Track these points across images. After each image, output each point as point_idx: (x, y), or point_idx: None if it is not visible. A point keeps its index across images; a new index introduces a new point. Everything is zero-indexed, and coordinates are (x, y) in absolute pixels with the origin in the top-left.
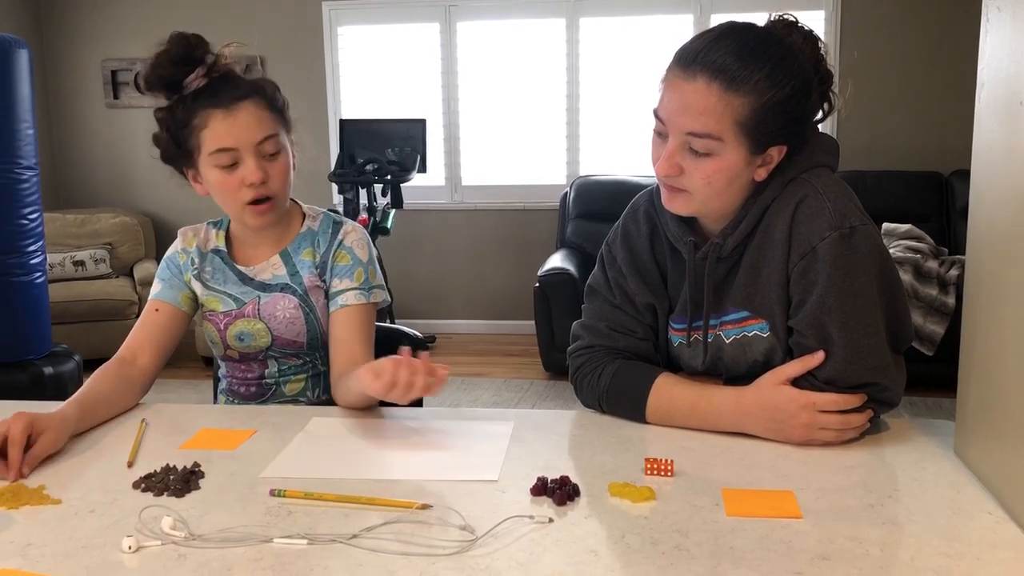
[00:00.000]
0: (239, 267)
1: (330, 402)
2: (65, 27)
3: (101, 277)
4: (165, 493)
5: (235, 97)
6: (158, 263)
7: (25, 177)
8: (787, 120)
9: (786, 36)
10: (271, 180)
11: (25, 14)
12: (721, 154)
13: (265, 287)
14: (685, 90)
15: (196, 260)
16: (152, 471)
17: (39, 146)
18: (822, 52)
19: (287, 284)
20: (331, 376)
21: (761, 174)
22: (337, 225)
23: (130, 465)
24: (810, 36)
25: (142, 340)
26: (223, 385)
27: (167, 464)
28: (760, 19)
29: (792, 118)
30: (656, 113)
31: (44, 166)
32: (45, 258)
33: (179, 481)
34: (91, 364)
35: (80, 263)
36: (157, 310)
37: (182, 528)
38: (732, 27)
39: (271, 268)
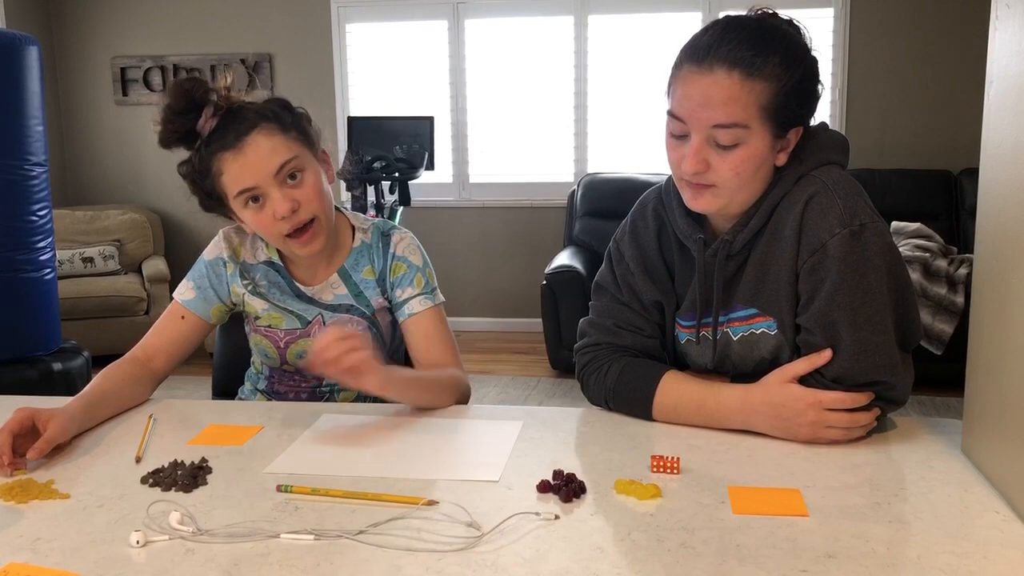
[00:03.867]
0: (299, 285)
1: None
2: (75, 24)
3: (110, 274)
4: (173, 488)
5: (240, 133)
6: (167, 260)
7: (35, 174)
8: (805, 100)
9: (780, 24)
10: (303, 205)
11: (35, 11)
12: (748, 142)
13: (330, 307)
14: (704, 84)
15: (247, 273)
16: (160, 466)
17: (49, 143)
18: (807, 39)
19: (353, 305)
20: None
21: (782, 159)
22: (387, 237)
23: (138, 460)
24: (794, 24)
25: (160, 344)
26: (262, 385)
27: (175, 459)
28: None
29: (808, 97)
30: (672, 113)
31: (54, 163)
32: (54, 254)
33: (187, 476)
34: (100, 360)
35: (89, 260)
36: (183, 317)
37: (190, 523)
38: (734, 19)
39: (332, 288)
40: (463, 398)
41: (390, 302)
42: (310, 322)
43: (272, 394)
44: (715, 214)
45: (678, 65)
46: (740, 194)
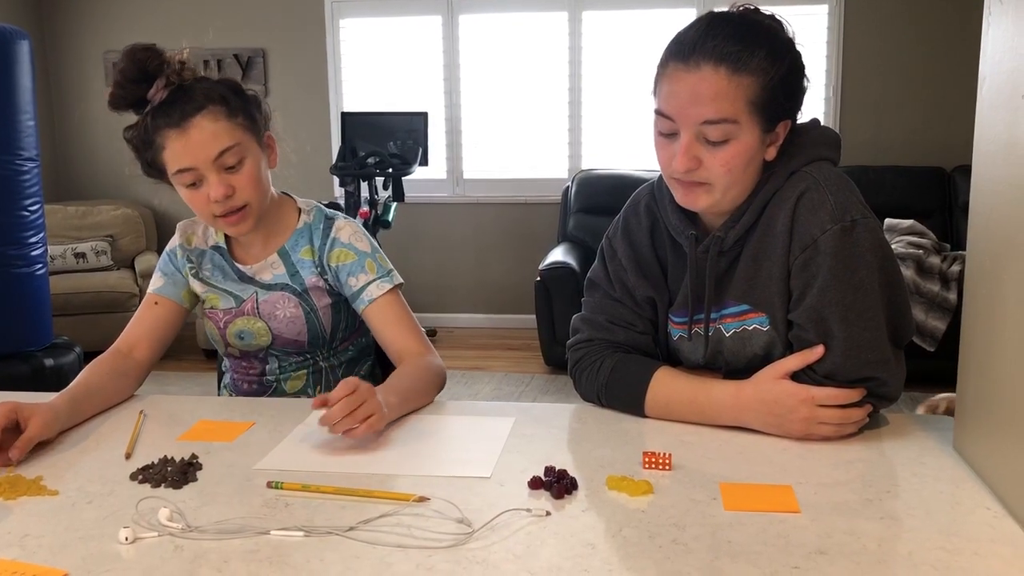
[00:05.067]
0: (239, 265)
1: None
2: (67, 18)
3: (102, 269)
4: (163, 484)
5: (186, 113)
6: (159, 255)
7: (26, 169)
8: (792, 93)
9: (763, 19)
10: (238, 192)
11: (26, 5)
12: (738, 137)
13: (265, 286)
14: (691, 80)
15: (194, 258)
16: (150, 462)
17: (40, 138)
18: (790, 33)
19: (287, 284)
20: None
21: (771, 153)
22: (329, 220)
23: (128, 456)
24: (776, 19)
25: (139, 333)
26: (226, 379)
27: (165, 456)
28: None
29: (795, 91)
30: (660, 112)
31: (45, 158)
32: (46, 250)
33: (177, 472)
34: (91, 356)
35: (81, 255)
36: (156, 303)
37: (179, 520)
38: (718, 15)
39: (270, 268)
40: (443, 382)
41: (330, 285)
42: (244, 300)
43: (232, 388)
44: (707, 211)
45: (663, 63)
46: (732, 190)
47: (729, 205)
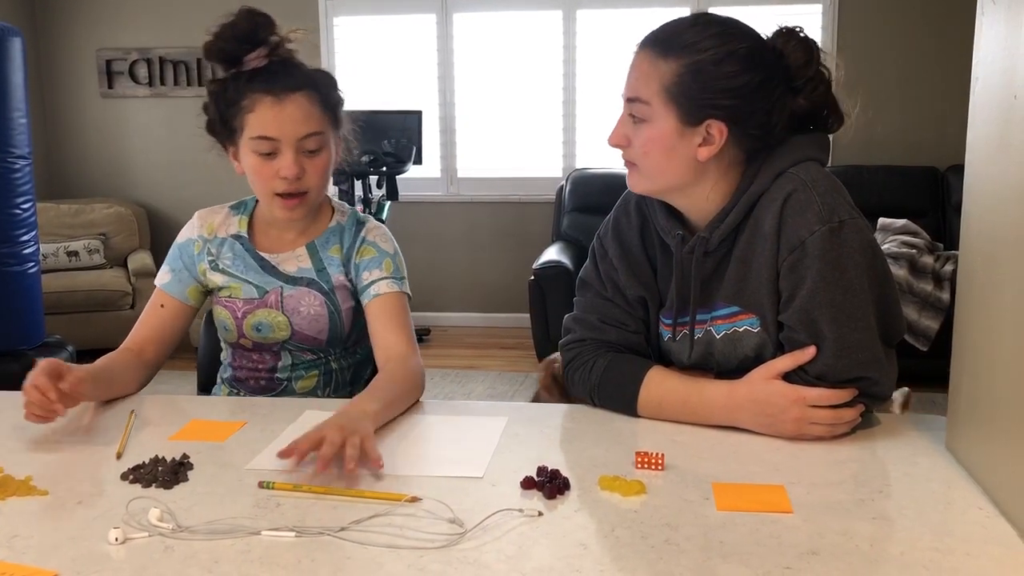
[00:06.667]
0: (261, 254)
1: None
2: (60, 16)
3: (95, 267)
4: (153, 485)
5: (288, 87)
6: (153, 253)
7: (18, 166)
8: (715, 90)
9: (724, 19)
10: (307, 176)
11: (19, 2)
12: (652, 121)
13: (290, 279)
14: (632, 62)
15: (213, 249)
16: (141, 462)
17: (32, 135)
18: (815, 54)
19: (313, 279)
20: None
21: (703, 154)
22: (360, 224)
23: (119, 456)
24: (741, 27)
25: (149, 335)
26: (227, 374)
27: (156, 455)
28: (758, 12)
29: (721, 89)
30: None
31: (38, 156)
32: (38, 248)
33: (168, 473)
34: (84, 354)
35: (74, 253)
36: (163, 305)
37: (170, 520)
38: (693, 14)
39: (296, 259)
40: (423, 387)
41: (354, 286)
42: (267, 292)
43: (234, 383)
44: (675, 204)
45: None
46: (660, 178)
47: (692, 200)
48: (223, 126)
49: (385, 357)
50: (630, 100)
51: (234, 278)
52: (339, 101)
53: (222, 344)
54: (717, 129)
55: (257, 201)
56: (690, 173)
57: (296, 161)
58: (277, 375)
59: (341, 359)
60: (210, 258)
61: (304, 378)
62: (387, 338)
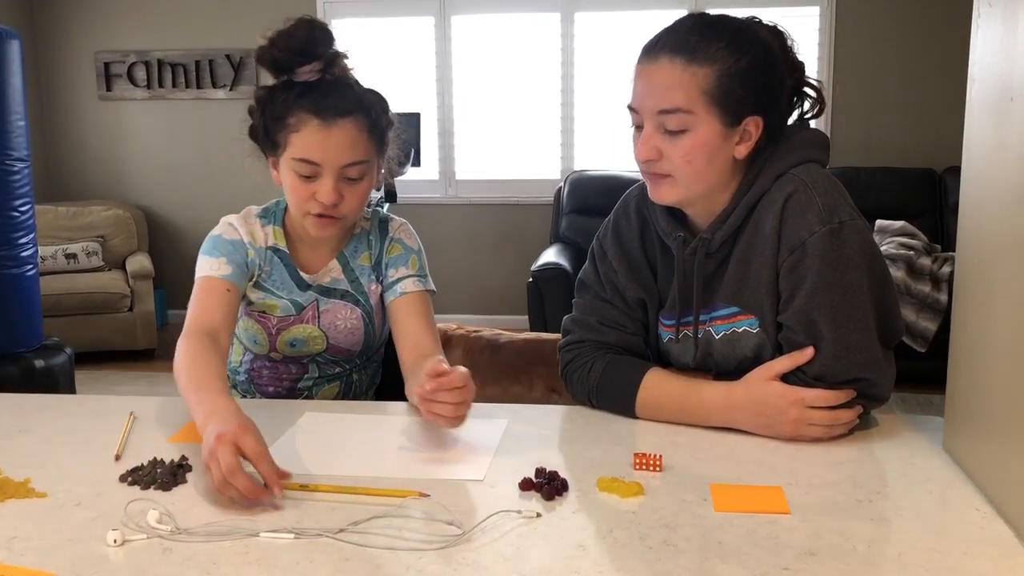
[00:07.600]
0: (299, 271)
1: None
2: (58, 18)
3: (93, 270)
4: (152, 487)
5: (338, 111)
6: (151, 256)
7: (16, 169)
8: (755, 88)
9: (733, 19)
10: (344, 202)
11: (17, 4)
12: (695, 128)
13: (325, 291)
14: (650, 72)
15: (261, 263)
16: (139, 464)
17: (31, 138)
18: (788, 44)
19: (348, 291)
20: (402, 371)
21: (741, 151)
22: (384, 223)
23: (117, 458)
24: (774, 30)
25: (220, 319)
26: (241, 377)
27: (155, 457)
28: (755, 14)
29: (760, 86)
30: (629, 106)
31: (36, 158)
32: (36, 251)
33: (166, 474)
34: (83, 357)
35: (72, 256)
36: (228, 290)
37: (168, 522)
38: (688, 15)
39: (330, 272)
40: None
41: (383, 281)
42: (304, 307)
43: (249, 387)
44: (683, 205)
45: (637, 63)
46: (697, 185)
47: (701, 200)
48: (266, 137)
49: (417, 355)
50: (664, 112)
51: (271, 295)
52: (388, 125)
53: (241, 351)
54: (754, 124)
55: (285, 209)
56: (727, 174)
57: (336, 188)
58: (299, 385)
59: (363, 369)
60: (258, 272)
61: (326, 388)
62: (416, 336)
